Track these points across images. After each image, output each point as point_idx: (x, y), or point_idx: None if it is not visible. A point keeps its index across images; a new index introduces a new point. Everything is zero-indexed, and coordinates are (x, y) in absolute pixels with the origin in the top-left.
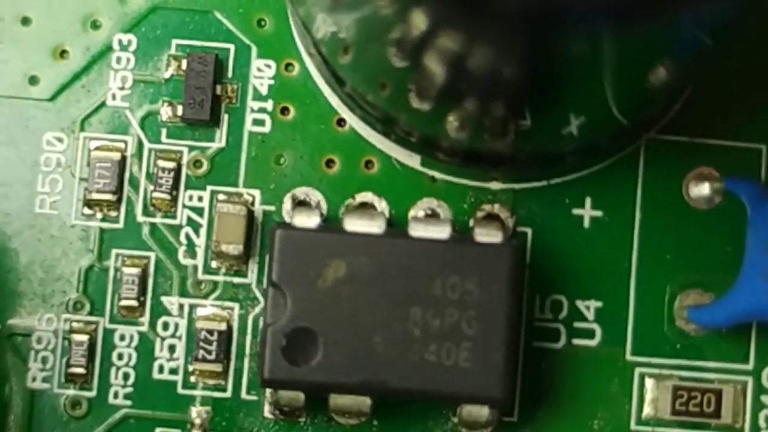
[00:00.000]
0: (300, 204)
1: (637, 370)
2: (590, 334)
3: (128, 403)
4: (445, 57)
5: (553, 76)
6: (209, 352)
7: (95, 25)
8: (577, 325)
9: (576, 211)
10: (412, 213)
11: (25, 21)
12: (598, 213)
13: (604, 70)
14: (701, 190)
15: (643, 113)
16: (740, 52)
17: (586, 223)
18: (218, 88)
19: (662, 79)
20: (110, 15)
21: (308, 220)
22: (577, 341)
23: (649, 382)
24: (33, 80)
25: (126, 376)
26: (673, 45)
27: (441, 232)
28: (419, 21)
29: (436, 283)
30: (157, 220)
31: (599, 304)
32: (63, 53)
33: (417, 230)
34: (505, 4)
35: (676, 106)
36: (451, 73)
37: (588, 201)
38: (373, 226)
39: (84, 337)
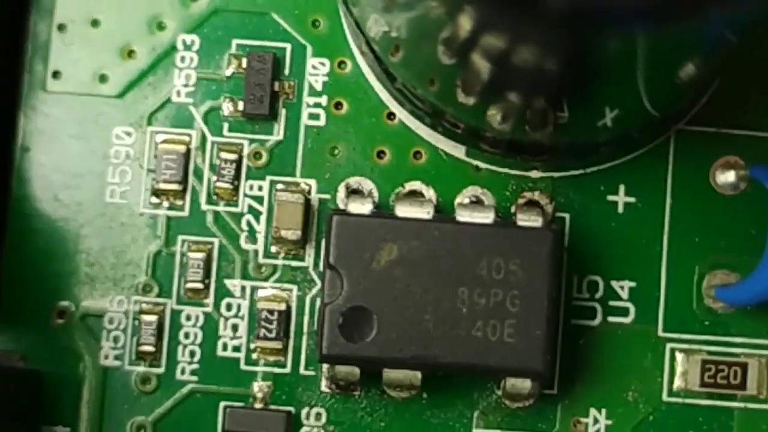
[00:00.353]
0: (353, 192)
1: (668, 346)
2: (624, 312)
3: (194, 378)
4: (490, 55)
5: (590, 72)
6: (270, 331)
7: (160, 27)
8: (612, 303)
9: (611, 198)
10: (458, 200)
11: (95, 23)
12: (632, 199)
13: (637, 67)
14: (727, 177)
15: (673, 106)
16: (764, 46)
17: (620, 209)
18: (276, 84)
19: (691, 75)
20: (174, 17)
21: (361, 207)
22: (612, 319)
23: (679, 357)
24: (102, 78)
25: (192, 354)
26: (702, 43)
27: (485, 217)
28: (466, 21)
29: (481, 265)
30: (220, 208)
31: (633, 284)
32: (130, 53)
33: (463, 215)
34: (547, 6)
35: (703, 99)
36: (496, 69)
37: (622, 188)
38: (422, 212)
39: (153, 318)
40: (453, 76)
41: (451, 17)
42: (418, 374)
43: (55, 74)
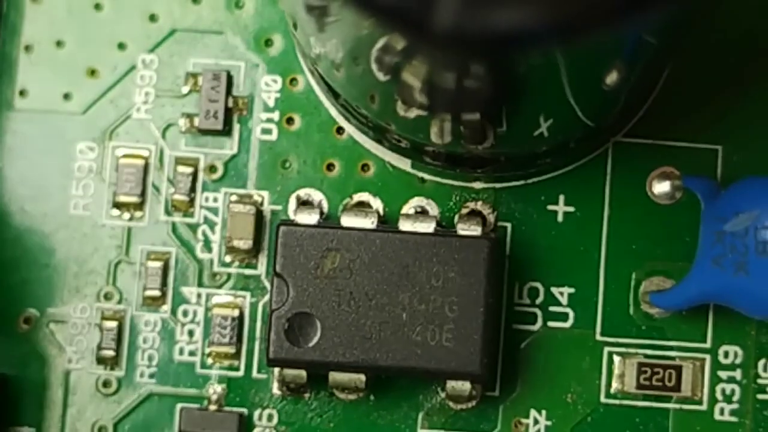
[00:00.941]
0: (304, 203)
1: (606, 349)
2: (564, 317)
3: (152, 381)
4: (417, 74)
5: (515, 87)
6: (223, 336)
7: (121, 47)
8: (552, 309)
9: (551, 207)
10: (404, 210)
11: (60, 44)
12: (571, 209)
13: (557, 79)
14: (663, 187)
15: (605, 115)
16: (695, 60)
17: (560, 218)
18: (230, 101)
19: (615, 83)
20: (134, 37)
21: (308, 218)
22: (552, 324)
23: (616, 360)
24: (67, 96)
25: (150, 358)
26: (611, 52)
27: (427, 227)
28: (389, 46)
29: (421, 272)
30: (177, 219)
31: (572, 290)
32: (93, 72)
33: (405, 225)
34: (433, 30)
35: (640, 112)
36: (425, 88)
37: (561, 198)
38: (366, 222)
39: (113, 324)
40: (389, 93)
41: (371, 43)
42: (362, 377)
43: (22, 93)
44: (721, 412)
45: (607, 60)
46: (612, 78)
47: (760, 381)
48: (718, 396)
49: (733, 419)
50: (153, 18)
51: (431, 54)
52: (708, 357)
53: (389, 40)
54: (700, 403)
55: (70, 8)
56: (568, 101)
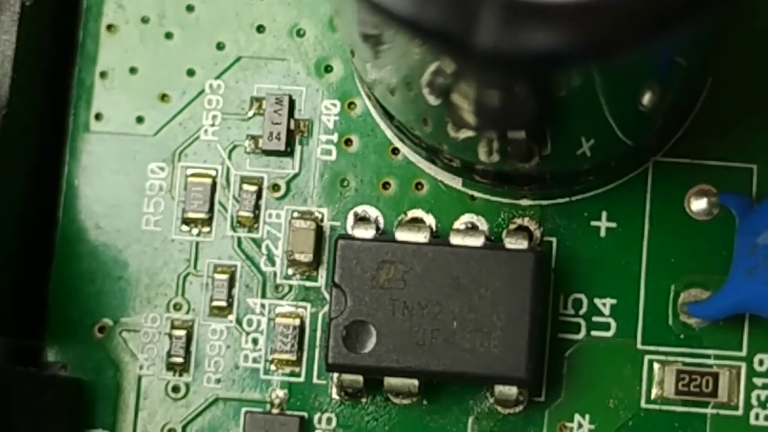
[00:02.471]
0: (360, 219)
1: (646, 357)
2: (606, 326)
3: (219, 386)
4: (464, 95)
5: (555, 106)
6: (285, 344)
7: (191, 73)
8: (595, 319)
9: (594, 223)
10: (454, 226)
11: (133, 70)
12: (613, 224)
13: (595, 98)
14: (700, 204)
15: (644, 134)
16: (731, 84)
17: (603, 233)
18: (292, 123)
19: (652, 104)
20: (203, 64)
21: (365, 233)
22: (595, 333)
23: (656, 367)
24: (139, 120)
25: (217, 365)
26: (648, 72)
27: (476, 241)
28: (438, 71)
29: (471, 283)
30: (242, 234)
31: (614, 301)
32: (164, 97)
33: (456, 239)
34: (474, 51)
35: (678, 132)
36: (472, 108)
37: (604, 214)
38: (420, 237)
39: (182, 332)
40: (441, 116)
41: (422, 69)
42: (416, 382)
43: (98, 116)
44: (756, 417)
45: (641, 79)
46: (648, 97)
47: None
48: (753, 402)
49: None
50: (220, 46)
51: (474, 74)
52: (744, 365)
53: (438, 65)
54: (736, 408)
55: (143, 37)
56: (607, 121)
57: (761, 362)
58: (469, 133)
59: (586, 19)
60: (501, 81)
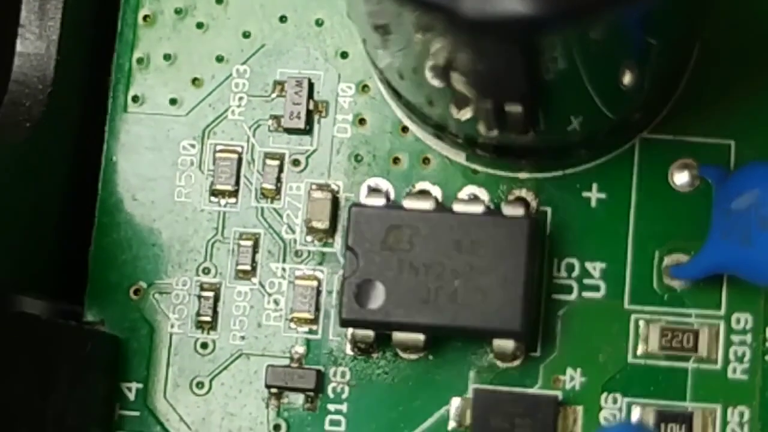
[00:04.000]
0: (373, 191)
1: (633, 316)
2: (596, 288)
3: (243, 343)
4: (462, 74)
5: (544, 79)
6: (304, 304)
7: (219, 59)
8: (587, 281)
9: (585, 194)
10: (458, 196)
11: (167, 57)
12: (603, 195)
13: (578, 72)
14: (683, 176)
15: (628, 109)
16: (710, 67)
17: (593, 203)
18: (311, 104)
19: (632, 79)
20: (230, 51)
21: (375, 201)
22: (586, 294)
23: (641, 325)
24: (173, 101)
25: (242, 323)
26: (627, 46)
27: (477, 209)
28: (438, 54)
29: (472, 246)
30: (265, 204)
31: (603, 265)
32: (195, 80)
33: (458, 207)
34: (460, 14)
35: (662, 111)
36: (470, 83)
37: (594, 186)
38: (425, 205)
39: (210, 294)
40: (444, 96)
41: (424, 51)
42: (421, 336)
43: (135, 98)
44: (734, 371)
45: (620, 52)
46: (628, 72)
47: None
48: (731, 357)
49: (744, 377)
50: (246, 34)
51: (464, 43)
52: (722, 323)
53: (437, 49)
54: (715, 363)
55: (176, 27)
56: (591, 94)
57: (738, 321)
58: (470, 109)
59: None
60: (488, 48)
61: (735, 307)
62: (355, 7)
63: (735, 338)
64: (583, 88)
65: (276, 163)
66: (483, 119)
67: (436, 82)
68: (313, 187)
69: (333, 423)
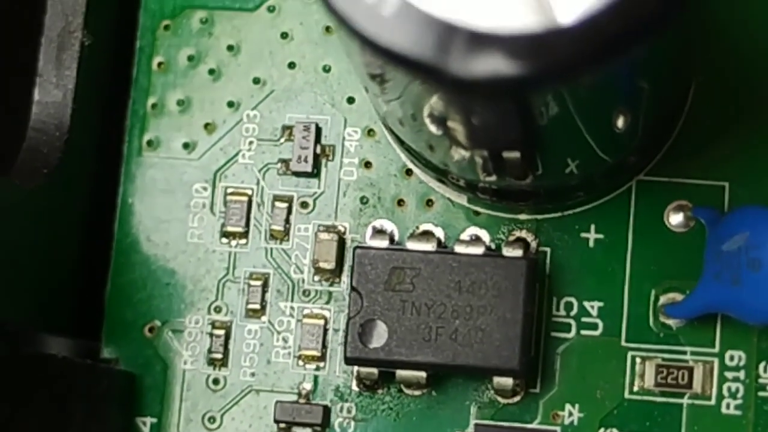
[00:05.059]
0: (378, 232)
1: (629, 353)
2: (594, 326)
3: (253, 379)
4: (458, 124)
5: (536, 129)
6: (312, 342)
7: (231, 105)
8: (585, 320)
9: (583, 235)
10: (460, 238)
11: (180, 103)
12: (601, 236)
13: (569, 121)
14: (678, 217)
15: (624, 153)
16: (706, 111)
17: (591, 244)
18: (318, 148)
19: (624, 126)
20: (241, 97)
21: (380, 243)
22: (584, 332)
23: (638, 362)
24: (186, 146)
25: (252, 360)
26: (614, 96)
27: (477, 249)
28: (434, 105)
29: (472, 286)
30: (275, 245)
31: (601, 304)
32: (207, 125)
33: (460, 248)
34: (450, 77)
35: (658, 155)
36: (466, 134)
37: (593, 227)
38: (428, 246)
39: (221, 332)
40: (442, 143)
41: (418, 104)
42: (423, 374)
43: (149, 143)
44: (728, 406)
45: (607, 102)
46: (619, 119)
47: (761, 380)
48: (725, 393)
49: (738, 413)
50: (256, 81)
51: (453, 100)
52: (716, 360)
53: (433, 100)
54: (709, 399)
55: (189, 73)
56: (587, 141)
57: (731, 358)
58: (468, 155)
59: (544, 46)
60: (477, 104)
61: (728, 344)
62: (352, 58)
63: (729, 375)
64: (577, 134)
65: (285, 205)
66: (482, 166)
67: (433, 130)
68: (321, 228)
69: None
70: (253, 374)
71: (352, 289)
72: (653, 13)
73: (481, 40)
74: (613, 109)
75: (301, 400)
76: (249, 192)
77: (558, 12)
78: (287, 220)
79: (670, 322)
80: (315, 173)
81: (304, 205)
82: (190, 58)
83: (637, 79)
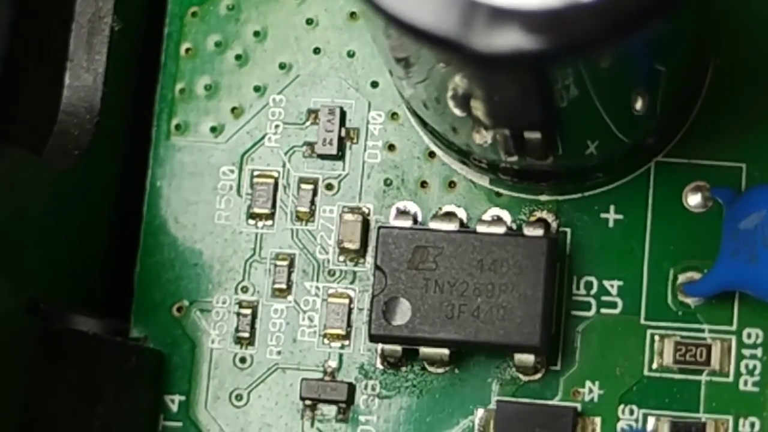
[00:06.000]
0: (401, 213)
1: (648, 331)
2: (614, 305)
3: (279, 357)
4: (480, 104)
5: (560, 114)
6: (336, 321)
7: (257, 89)
8: (604, 298)
9: (603, 215)
10: (482, 218)
11: (207, 87)
12: (620, 216)
13: (590, 106)
14: (696, 198)
15: (642, 134)
16: (725, 92)
17: (611, 224)
18: (343, 131)
19: (642, 107)
20: (267, 82)
21: (402, 223)
22: (604, 310)
23: (657, 340)
24: (213, 129)
25: (278, 339)
26: (632, 74)
27: (498, 229)
28: (456, 85)
29: (494, 265)
30: (300, 226)
31: (620, 283)
32: (234, 109)
33: (481, 228)
34: (471, 51)
35: (677, 136)
36: (488, 113)
37: (612, 208)
38: (450, 226)
39: (248, 311)
40: (466, 124)
41: (444, 84)
42: (446, 351)
43: (177, 127)
44: (745, 383)
45: (625, 80)
46: (637, 98)
47: None
48: (742, 370)
49: (755, 389)
50: (282, 66)
51: (476, 76)
52: (734, 338)
53: (456, 81)
54: (727, 375)
55: (216, 59)
56: (605, 120)
57: (749, 335)
58: (490, 135)
59: (563, 22)
60: (500, 81)
61: (746, 322)
62: (378, 41)
63: (746, 352)
64: (596, 115)
65: (310, 187)
66: (503, 146)
67: (457, 111)
68: (345, 209)
69: None
70: (279, 352)
71: (376, 267)
72: None
73: (502, 16)
74: (632, 89)
75: (327, 378)
76: (275, 174)
77: None
78: (312, 202)
79: (689, 300)
80: (340, 156)
81: (329, 186)
82: (218, 44)
83: (654, 58)
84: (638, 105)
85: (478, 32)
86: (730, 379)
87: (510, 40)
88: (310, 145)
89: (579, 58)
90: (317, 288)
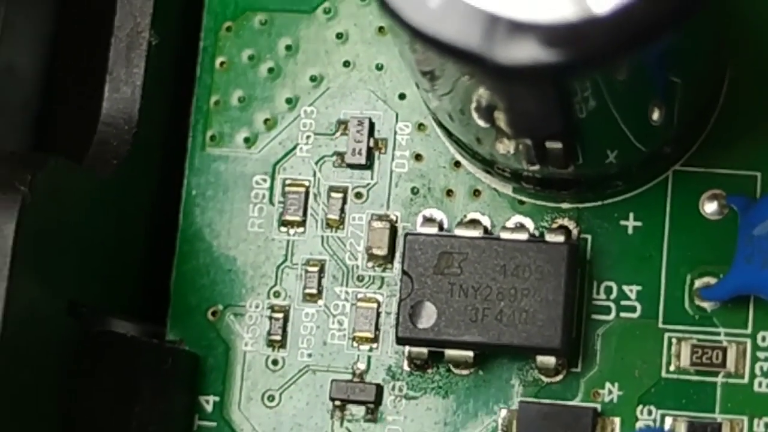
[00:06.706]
0: (427, 220)
1: (666, 335)
2: (633, 309)
3: (310, 360)
4: (503, 115)
5: (579, 124)
6: (365, 324)
7: (289, 101)
8: (624, 303)
9: (623, 222)
10: (505, 225)
11: (241, 100)
12: (639, 223)
13: (608, 116)
14: (712, 206)
15: (659, 144)
16: (741, 103)
17: (630, 231)
18: (372, 141)
19: (659, 117)
20: (299, 94)
21: (430, 230)
22: (623, 314)
23: (674, 343)
24: (246, 140)
25: (309, 342)
26: (650, 88)
27: (521, 236)
28: (480, 98)
29: (516, 270)
30: (330, 234)
31: (639, 287)
32: (266, 121)
33: (504, 234)
34: (494, 64)
35: (693, 146)
36: (511, 124)
37: (631, 215)
38: (474, 233)
39: (280, 315)
40: (489, 135)
41: (467, 96)
42: (470, 353)
43: (212, 138)
44: (760, 385)
45: (642, 91)
46: (655, 112)
47: None
48: (757, 372)
49: None
50: (313, 78)
51: (498, 88)
52: (749, 341)
53: (479, 93)
54: (742, 377)
55: (250, 72)
56: (624, 131)
57: (764, 338)
58: (513, 145)
59: (579, 35)
60: (521, 92)
61: (760, 325)
62: (405, 55)
63: (761, 354)
64: (615, 125)
65: (340, 195)
66: (526, 155)
67: (481, 122)
68: (374, 217)
69: None
70: (310, 355)
71: (403, 272)
72: (684, 2)
73: (521, 29)
74: (649, 100)
75: (356, 379)
76: (306, 183)
77: (592, 3)
78: (342, 210)
79: (705, 304)
80: (368, 165)
81: (358, 195)
82: (251, 58)
83: (670, 70)
84: (655, 115)
85: (499, 45)
86: (745, 380)
87: (529, 52)
88: (340, 155)
89: (595, 70)
90: (347, 293)
